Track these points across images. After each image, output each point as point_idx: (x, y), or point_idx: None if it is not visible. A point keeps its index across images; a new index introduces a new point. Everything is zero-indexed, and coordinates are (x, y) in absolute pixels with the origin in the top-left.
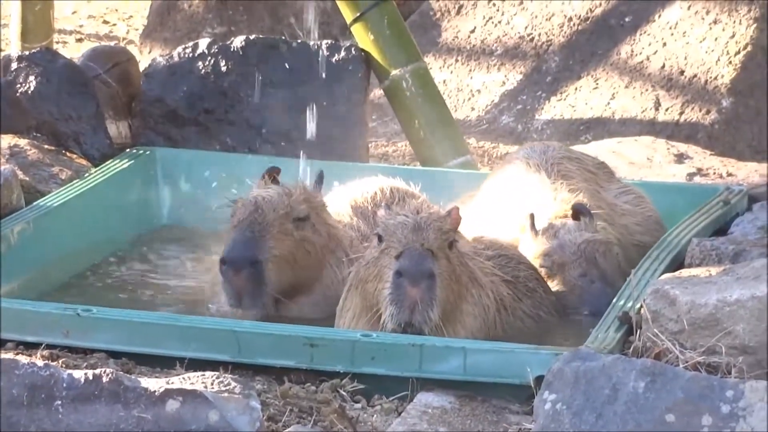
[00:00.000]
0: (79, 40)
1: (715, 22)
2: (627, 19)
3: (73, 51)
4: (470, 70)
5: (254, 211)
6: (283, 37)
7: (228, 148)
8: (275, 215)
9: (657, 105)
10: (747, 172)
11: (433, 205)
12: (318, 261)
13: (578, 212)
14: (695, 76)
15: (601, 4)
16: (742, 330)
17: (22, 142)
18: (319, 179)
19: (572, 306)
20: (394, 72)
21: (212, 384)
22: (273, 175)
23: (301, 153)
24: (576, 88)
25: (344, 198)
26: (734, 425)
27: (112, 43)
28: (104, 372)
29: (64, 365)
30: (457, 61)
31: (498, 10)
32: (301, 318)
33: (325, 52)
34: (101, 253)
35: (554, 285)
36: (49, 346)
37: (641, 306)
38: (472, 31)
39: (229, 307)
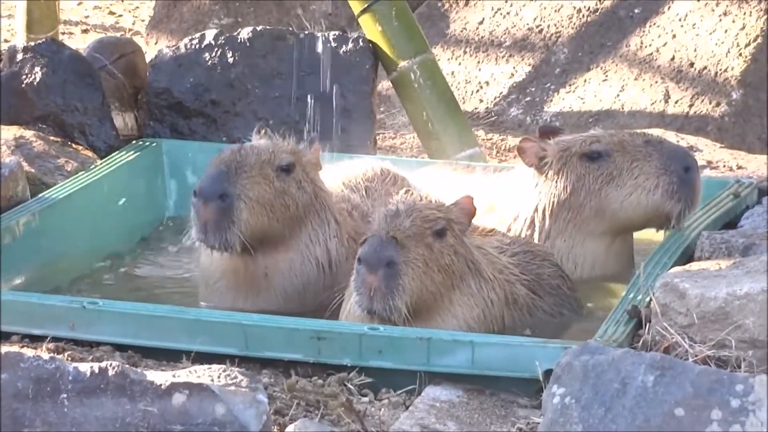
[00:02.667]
0: (85, 31)
1: (725, 14)
2: (636, 11)
3: (78, 42)
4: (479, 62)
5: (237, 152)
6: (291, 29)
7: (234, 139)
8: (257, 159)
9: (666, 97)
10: (757, 165)
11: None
12: (298, 218)
13: (546, 131)
14: (705, 68)
15: None
16: (752, 324)
17: (28, 134)
18: (311, 142)
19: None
20: (402, 64)
21: (219, 377)
22: (266, 133)
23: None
24: (585, 80)
25: (335, 176)
26: (744, 419)
27: (118, 35)
28: (110, 365)
29: (69, 358)
30: (465, 52)
31: (507, 2)
32: (274, 271)
33: (333, 44)
34: (107, 245)
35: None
36: (54, 339)
37: (650, 299)
38: (481, 23)
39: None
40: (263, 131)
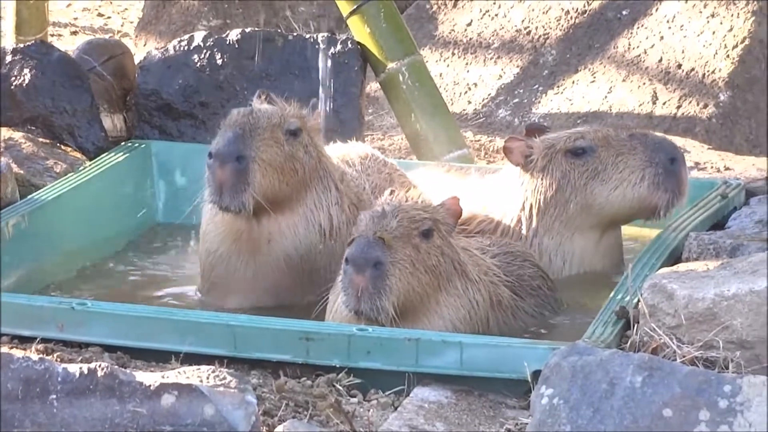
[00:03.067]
0: (74, 33)
1: (712, 15)
2: (624, 13)
3: (67, 44)
4: (467, 64)
5: (249, 114)
6: (279, 30)
7: None
8: (268, 122)
9: (654, 99)
10: (744, 166)
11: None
12: (304, 182)
13: (533, 130)
14: (693, 69)
15: None
16: (740, 324)
17: (17, 135)
18: (313, 106)
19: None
20: (391, 65)
21: (208, 378)
22: (268, 96)
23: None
24: (573, 82)
25: (332, 153)
26: (732, 420)
27: (107, 36)
28: (99, 366)
29: (58, 359)
30: (453, 54)
31: (495, 3)
32: (277, 236)
33: (322, 45)
34: (96, 247)
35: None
36: (43, 340)
37: (638, 300)
38: (469, 24)
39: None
40: (264, 96)
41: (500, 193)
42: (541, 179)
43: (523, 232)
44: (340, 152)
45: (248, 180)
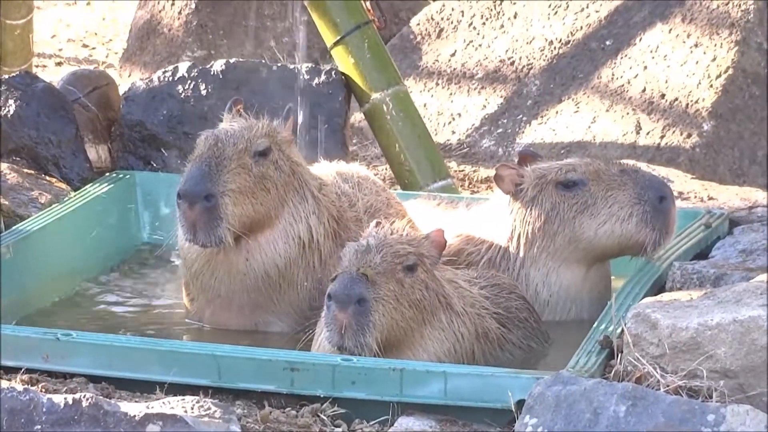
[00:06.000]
0: (59, 64)
1: (696, 45)
2: (608, 43)
3: (52, 75)
4: (451, 94)
5: (213, 145)
6: (264, 61)
7: None
8: (234, 150)
9: (638, 128)
10: (728, 196)
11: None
12: (279, 198)
13: (525, 157)
14: (676, 99)
15: (581, 28)
16: (724, 354)
17: (2, 166)
18: (286, 115)
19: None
20: (375, 95)
21: (192, 408)
22: (239, 108)
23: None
24: (557, 112)
25: (331, 167)
26: None
27: (91, 67)
28: (84, 396)
29: (43, 390)
30: (437, 84)
31: (478, 34)
32: (256, 253)
33: (306, 76)
34: (81, 278)
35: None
36: (28, 371)
37: (622, 330)
38: (453, 55)
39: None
40: (237, 107)
41: (489, 222)
42: (531, 210)
43: (511, 262)
44: (339, 169)
45: (220, 214)
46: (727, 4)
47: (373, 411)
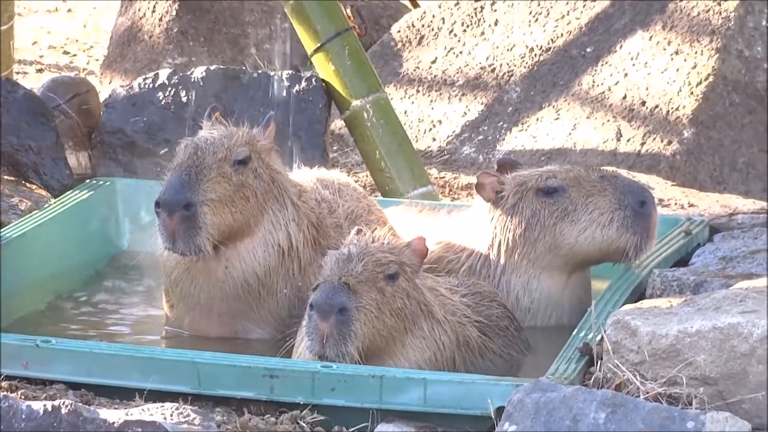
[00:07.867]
0: (40, 71)
1: (676, 52)
2: (589, 50)
3: (33, 81)
4: (431, 101)
5: (193, 154)
6: (244, 68)
7: None
8: (214, 158)
9: (618, 135)
10: (708, 203)
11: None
12: (259, 206)
13: (505, 165)
14: (657, 106)
15: (562, 35)
16: (703, 361)
17: None
18: (266, 123)
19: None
20: (355, 102)
21: (172, 415)
22: (217, 114)
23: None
24: (537, 119)
25: (312, 174)
26: None
27: (72, 74)
28: (63, 403)
29: (23, 396)
30: (418, 91)
31: (459, 41)
32: (236, 261)
33: (286, 83)
34: (61, 285)
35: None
36: (8, 378)
37: (602, 337)
38: (434, 62)
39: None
40: (216, 114)
41: (469, 229)
42: (511, 217)
43: (491, 269)
44: (319, 175)
45: (199, 223)
46: (707, 12)
47: (352, 418)
